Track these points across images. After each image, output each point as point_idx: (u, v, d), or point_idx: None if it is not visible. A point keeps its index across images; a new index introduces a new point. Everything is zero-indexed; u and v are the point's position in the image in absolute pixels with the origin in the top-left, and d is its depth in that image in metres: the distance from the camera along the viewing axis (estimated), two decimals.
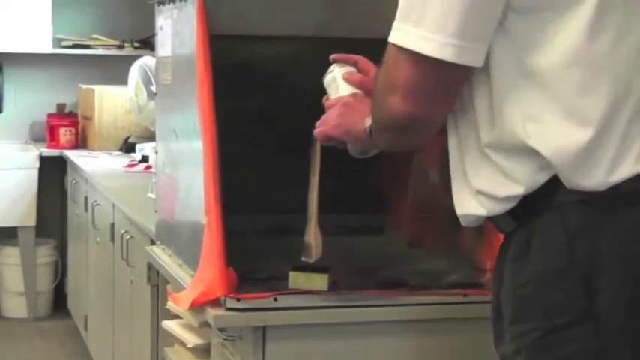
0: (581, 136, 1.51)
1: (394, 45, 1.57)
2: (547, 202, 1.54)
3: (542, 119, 1.52)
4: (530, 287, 1.54)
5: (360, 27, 2.44)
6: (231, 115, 2.26)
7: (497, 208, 1.58)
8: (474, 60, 1.53)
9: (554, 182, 1.53)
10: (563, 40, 1.51)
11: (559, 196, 1.53)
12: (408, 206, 2.51)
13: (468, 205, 1.63)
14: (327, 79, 2.11)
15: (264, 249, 2.46)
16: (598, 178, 1.52)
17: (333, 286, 2.17)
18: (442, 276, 2.26)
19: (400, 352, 2.19)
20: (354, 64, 2.10)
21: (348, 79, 2.06)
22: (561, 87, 1.51)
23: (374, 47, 2.54)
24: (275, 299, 2.12)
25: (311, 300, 2.14)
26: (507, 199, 1.57)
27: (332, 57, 2.13)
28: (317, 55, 2.56)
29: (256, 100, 2.59)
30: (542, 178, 1.54)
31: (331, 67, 2.12)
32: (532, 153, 1.53)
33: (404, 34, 1.55)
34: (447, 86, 1.58)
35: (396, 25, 1.57)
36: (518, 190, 1.55)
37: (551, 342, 1.53)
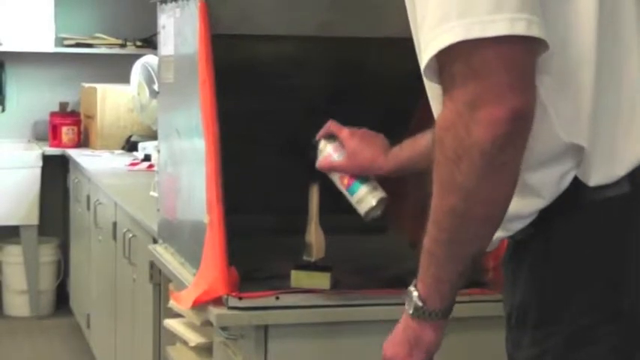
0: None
1: (445, 52, 1.39)
2: (567, 204, 1.51)
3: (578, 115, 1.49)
4: (555, 290, 1.52)
5: (363, 27, 2.44)
6: (233, 114, 2.26)
7: (520, 226, 1.55)
8: (544, 34, 1.41)
9: (574, 185, 1.51)
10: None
11: (580, 198, 1.50)
12: (410, 205, 2.50)
13: None
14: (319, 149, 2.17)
15: (267, 248, 2.46)
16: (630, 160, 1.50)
17: (335, 285, 2.17)
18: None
19: None
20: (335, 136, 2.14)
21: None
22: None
23: (376, 46, 2.55)
24: (277, 298, 2.12)
25: (313, 299, 2.14)
26: (531, 214, 1.53)
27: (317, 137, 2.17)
28: (320, 54, 2.56)
29: (258, 100, 2.59)
30: (564, 184, 1.51)
31: (319, 145, 2.16)
32: (560, 156, 1.50)
33: (460, 29, 1.38)
34: (529, 65, 1.43)
35: (434, 30, 1.40)
36: (542, 204, 1.52)
37: (578, 343, 1.50)
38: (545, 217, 1.53)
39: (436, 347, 1.56)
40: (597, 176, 1.50)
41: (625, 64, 1.53)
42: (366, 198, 2.10)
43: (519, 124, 1.40)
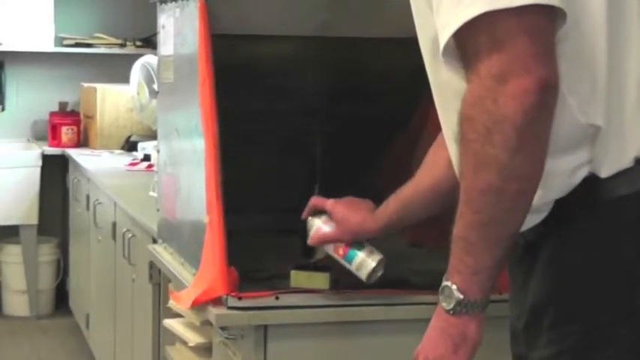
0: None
1: (467, 27, 1.39)
2: (580, 204, 1.50)
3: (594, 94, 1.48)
4: (571, 290, 1.51)
5: (362, 27, 2.44)
6: (232, 114, 2.26)
7: (530, 221, 1.52)
8: (564, 4, 1.41)
9: (588, 182, 1.50)
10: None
11: (593, 197, 1.50)
12: None
13: None
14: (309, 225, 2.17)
15: (266, 248, 2.46)
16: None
17: (335, 285, 2.17)
18: (443, 276, 2.26)
19: (402, 352, 2.18)
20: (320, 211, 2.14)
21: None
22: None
23: (376, 47, 2.55)
24: (276, 298, 2.12)
25: (312, 299, 2.15)
26: (540, 207, 1.51)
27: (302, 217, 2.17)
28: (319, 54, 2.57)
29: (258, 100, 2.59)
30: (576, 179, 1.50)
31: (308, 221, 2.16)
32: (576, 142, 1.49)
33: (483, 2, 1.37)
34: (551, 35, 1.42)
35: (455, 7, 1.40)
36: (552, 196, 1.51)
37: (596, 342, 1.50)
38: (557, 216, 1.52)
39: (480, 342, 1.52)
40: (610, 162, 1.49)
41: (632, 45, 1.52)
42: (364, 262, 2.11)
43: (548, 94, 1.40)
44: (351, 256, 2.12)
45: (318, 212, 2.16)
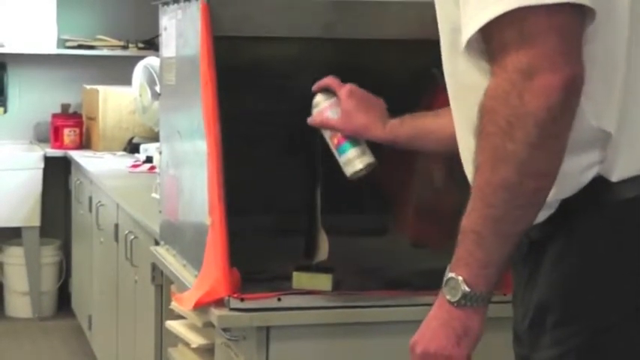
0: None
1: (496, 21, 1.39)
2: (588, 204, 1.50)
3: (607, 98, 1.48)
4: (577, 289, 1.50)
5: (364, 28, 2.44)
6: (235, 115, 2.26)
7: (540, 217, 1.52)
8: (594, 3, 1.42)
9: (596, 182, 1.50)
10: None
11: (601, 198, 1.50)
12: (412, 206, 2.51)
13: None
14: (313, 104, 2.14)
15: (268, 249, 2.46)
16: None
17: (337, 287, 2.17)
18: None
19: (404, 353, 2.18)
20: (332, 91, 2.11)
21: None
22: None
23: (378, 48, 2.55)
24: (279, 299, 2.12)
25: (315, 300, 2.14)
26: (547, 205, 1.50)
27: (313, 89, 2.14)
28: (321, 56, 2.56)
29: (260, 101, 2.59)
30: (585, 179, 1.50)
31: (315, 98, 2.14)
32: (587, 144, 1.49)
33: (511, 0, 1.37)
34: (580, 34, 1.42)
35: (479, 2, 1.40)
36: (560, 195, 1.51)
37: (603, 341, 1.49)
38: (564, 215, 1.52)
39: (481, 335, 1.52)
40: (621, 168, 1.49)
41: None
42: (353, 161, 2.11)
43: (572, 93, 1.40)
44: (344, 149, 2.12)
45: (328, 91, 2.14)
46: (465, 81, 1.55)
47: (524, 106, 1.38)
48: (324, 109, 2.13)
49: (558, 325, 1.53)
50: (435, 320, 1.53)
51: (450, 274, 1.50)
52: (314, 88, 2.15)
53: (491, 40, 1.42)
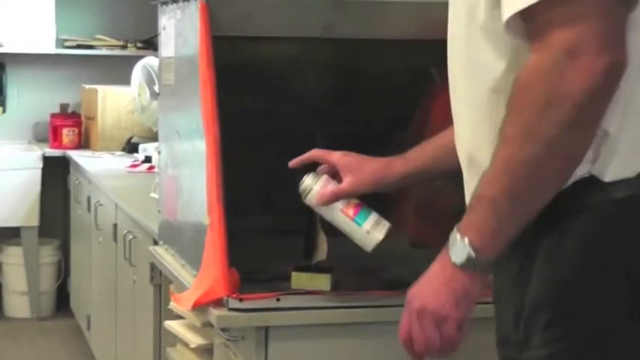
0: None
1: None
2: (580, 204, 1.49)
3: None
4: (570, 290, 1.50)
5: (364, 28, 2.44)
6: (234, 115, 2.26)
7: None
8: None
9: (588, 182, 1.49)
10: None
11: (593, 198, 1.49)
12: (411, 206, 2.50)
13: None
14: (310, 199, 1.99)
15: (267, 249, 2.46)
16: None
17: (336, 287, 2.17)
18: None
19: (403, 353, 2.19)
20: (323, 165, 1.99)
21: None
22: None
23: (378, 48, 2.55)
24: (278, 300, 2.12)
25: (314, 300, 2.14)
26: None
27: (291, 164, 2.01)
28: (321, 56, 2.56)
29: (259, 101, 2.59)
30: (575, 176, 1.49)
31: (305, 182, 1.99)
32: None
33: None
34: (624, 20, 1.42)
35: None
36: None
37: (596, 343, 1.49)
38: (556, 215, 1.51)
39: (477, 299, 1.53)
40: (616, 169, 1.48)
41: None
42: (376, 227, 1.98)
43: (613, 79, 1.39)
44: (363, 216, 1.96)
45: (310, 173, 2.00)
46: (479, 56, 1.54)
47: (565, 85, 1.38)
48: (324, 185, 1.97)
49: (550, 326, 1.52)
50: (436, 278, 1.54)
51: (456, 235, 1.51)
52: (292, 163, 2.02)
53: (535, 18, 1.42)
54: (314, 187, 1.99)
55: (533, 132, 1.41)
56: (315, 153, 2.03)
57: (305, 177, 2.00)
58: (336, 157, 2.00)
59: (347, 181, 1.99)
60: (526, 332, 1.55)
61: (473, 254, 1.49)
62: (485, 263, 1.50)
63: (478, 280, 1.52)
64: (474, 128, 1.59)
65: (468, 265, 1.50)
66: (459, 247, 1.50)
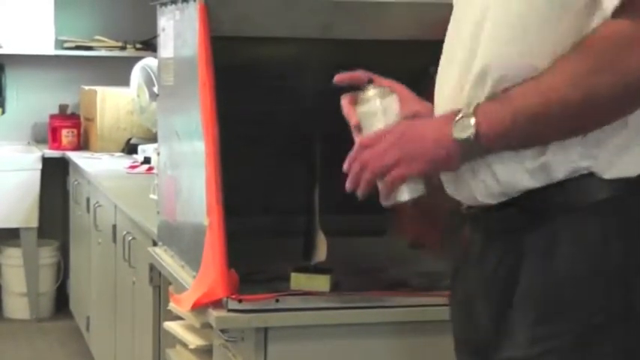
0: None
1: None
2: (577, 199, 1.49)
3: None
4: (563, 287, 1.49)
5: (363, 29, 2.44)
6: (233, 116, 2.26)
7: (521, 182, 1.51)
8: None
9: (585, 179, 1.49)
10: None
11: (592, 194, 1.49)
12: (410, 207, 2.50)
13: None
14: (366, 110, 1.69)
15: (266, 250, 2.46)
16: None
17: (335, 288, 2.17)
18: (444, 277, 2.26)
19: (402, 354, 2.19)
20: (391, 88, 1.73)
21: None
22: None
23: (377, 49, 2.54)
24: (277, 300, 2.12)
25: (313, 301, 2.14)
26: (534, 170, 1.50)
27: (362, 76, 1.75)
28: (320, 57, 2.56)
29: (258, 102, 2.59)
30: (573, 171, 1.49)
31: (368, 93, 1.70)
32: (595, 134, 1.48)
33: None
34: None
35: None
36: (552, 168, 1.50)
37: (588, 342, 1.48)
38: (551, 210, 1.50)
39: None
40: (618, 167, 1.48)
41: None
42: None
43: None
44: None
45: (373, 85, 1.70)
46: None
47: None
48: (395, 109, 1.67)
49: (538, 324, 1.51)
50: (431, 132, 1.55)
51: (469, 112, 1.50)
52: (337, 79, 1.79)
53: None
54: (386, 109, 1.68)
55: (622, 68, 1.42)
56: (360, 74, 1.78)
57: (371, 88, 1.71)
58: (388, 83, 1.79)
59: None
60: (510, 328, 1.54)
61: (473, 139, 1.50)
62: (478, 150, 1.51)
63: (464, 159, 1.53)
64: (523, 35, 1.52)
65: (465, 143, 1.50)
66: (466, 124, 1.50)
